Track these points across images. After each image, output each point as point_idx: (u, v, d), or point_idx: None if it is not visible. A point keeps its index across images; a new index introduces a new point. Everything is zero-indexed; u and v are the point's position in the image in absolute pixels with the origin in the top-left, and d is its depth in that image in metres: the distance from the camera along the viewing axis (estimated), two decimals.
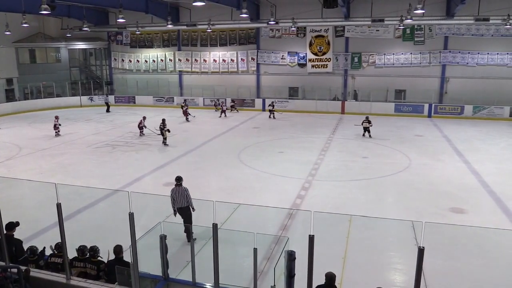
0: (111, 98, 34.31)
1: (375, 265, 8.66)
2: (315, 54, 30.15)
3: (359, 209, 11.20)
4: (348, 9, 27.11)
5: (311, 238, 4.62)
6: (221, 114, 28.29)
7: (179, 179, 9.86)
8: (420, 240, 4.40)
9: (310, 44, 30.19)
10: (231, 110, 30.00)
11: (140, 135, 21.82)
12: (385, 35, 28.41)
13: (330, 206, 11.65)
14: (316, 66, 30.28)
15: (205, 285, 6.41)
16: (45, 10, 18.32)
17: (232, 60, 32.27)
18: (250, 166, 16.04)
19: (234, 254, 8.18)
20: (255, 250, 5.63)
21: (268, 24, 27.50)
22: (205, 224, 6.67)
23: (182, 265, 7.44)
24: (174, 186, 9.83)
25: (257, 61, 31.58)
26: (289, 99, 30.68)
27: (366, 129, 21.12)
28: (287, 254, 5.58)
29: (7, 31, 27.94)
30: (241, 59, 32.03)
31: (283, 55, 30.96)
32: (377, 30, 28.39)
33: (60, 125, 22.42)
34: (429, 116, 27.47)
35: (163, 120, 19.95)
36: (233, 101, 30.90)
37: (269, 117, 27.45)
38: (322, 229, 4.76)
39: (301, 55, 30.56)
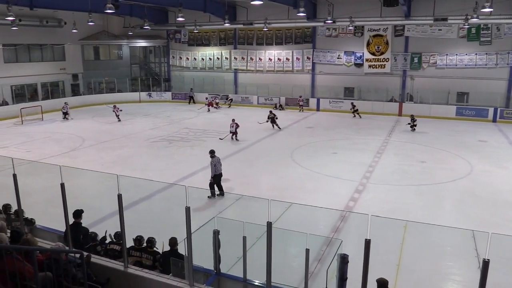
0: (168, 95, 35.40)
1: (431, 274, 8.31)
2: (373, 54, 29.39)
3: (415, 215, 10.77)
4: (409, 8, 26.17)
5: (367, 243, 4.48)
6: (208, 108, 28.75)
7: (213, 152, 12.77)
8: (485, 252, 4.14)
9: (368, 44, 29.47)
10: (217, 107, 30.39)
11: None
12: (448, 35, 27.13)
13: (384, 211, 11.31)
14: (373, 66, 29.51)
15: (254, 281, 6.44)
16: (109, 9, 19.18)
17: (287, 59, 32.18)
18: (303, 165, 15.92)
19: (285, 253, 8.13)
20: (307, 251, 5.57)
21: (325, 23, 27.19)
22: (257, 221, 6.70)
23: (233, 260, 7.51)
24: (211, 157, 12.63)
25: (312, 60, 31.27)
26: (344, 99, 30.12)
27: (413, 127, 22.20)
28: (340, 257, 5.47)
29: (74, 29, 29.60)
30: (297, 58, 31.86)
31: (339, 55, 30.46)
32: (439, 30, 27.18)
33: (121, 110, 24.61)
34: (494, 120, 25.93)
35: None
36: (226, 97, 32.43)
37: (273, 127, 23.38)
38: (376, 234, 4.62)
39: (358, 54, 29.90)
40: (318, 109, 30.25)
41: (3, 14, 22.36)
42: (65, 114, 26.99)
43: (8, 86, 29.15)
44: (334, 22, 26.56)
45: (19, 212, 7.22)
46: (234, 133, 20.32)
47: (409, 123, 22.63)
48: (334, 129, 23.37)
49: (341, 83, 30.64)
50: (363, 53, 29.70)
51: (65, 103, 27.73)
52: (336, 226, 10.30)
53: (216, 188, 12.57)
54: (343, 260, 5.43)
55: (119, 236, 7.01)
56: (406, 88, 28.95)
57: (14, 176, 6.85)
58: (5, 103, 28.73)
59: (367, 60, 29.63)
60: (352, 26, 27.46)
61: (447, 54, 27.41)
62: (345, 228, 10.22)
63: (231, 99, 33.01)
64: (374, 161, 16.63)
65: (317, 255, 8.61)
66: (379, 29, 28.84)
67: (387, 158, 17.09)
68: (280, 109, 29.78)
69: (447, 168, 15.65)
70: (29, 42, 30.31)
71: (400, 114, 28.04)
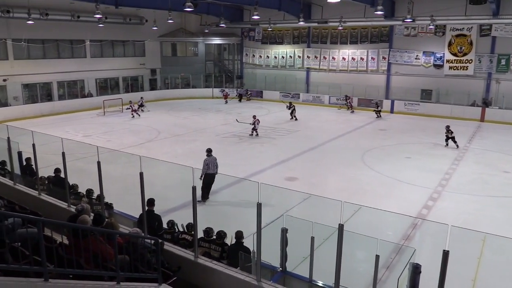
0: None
1: None
2: (455, 54, 27.74)
3: (495, 229, 9.98)
4: (498, 6, 24.33)
5: (445, 254, 4.24)
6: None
7: (210, 150, 12.19)
8: None
9: (450, 44, 27.86)
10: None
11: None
12: None
13: (461, 222, 10.64)
14: (455, 67, 27.86)
15: (318, 282, 6.36)
16: (188, 7, 19.83)
17: (361, 58, 31.34)
18: (374, 169, 15.45)
19: (352, 257, 7.95)
20: (377, 257, 5.41)
21: (403, 21, 26.03)
22: (324, 222, 6.60)
23: (299, 259, 7.47)
24: (206, 156, 12.07)
25: (388, 60, 30.18)
26: (420, 102, 28.76)
27: (449, 139, 19.01)
28: (412, 266, 5.27)
29: (155, 27, 31.04)
30: (372, 57, 30.94)
31: (417, 55, 29.10)
32: None
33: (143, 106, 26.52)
34: None
35: None
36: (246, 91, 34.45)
37: (291, 119, 25.61)
38: (451, 245, 4.35)
39: (438, 55, 28.38)
40: (392, 111, 29.17)
41: (91, 12, 24.04)
42: (140, 106, 28.10)
43: (93, 79, 31.33)
44: (413, 20, 25.36)
45: (101, 197, 7.71)
46: (254, 129, 20.68)
47: (446, 135, 19.10)
48: (408, 133, 22.40)
49: (418, 84, 29.26)
50: (443, 53, 28.14)
51: (141, 97, 29.19)
52: (407, 234, 9.88)
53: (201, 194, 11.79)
54: (416, 270, 5.22)
55: (191, 227, 7.26)
56: (490, 92, 27.03)
57: (98, 163, 7.33)
58: (90, 94, 30.93)
59: (447, 61, 28.04)
60: (432, 25, 26.12)
61: None
62: (416, 236, 9.77)
63: (250, 93, 34.53)
64: (451, 168, 15.72)
65: (385, 262, 8.31)
66: (463, 28, 27.15)
67: (466, 166, 16.08)
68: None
69: None
70: (113, 38, 32.31)
71: (482, 119, 26.23)
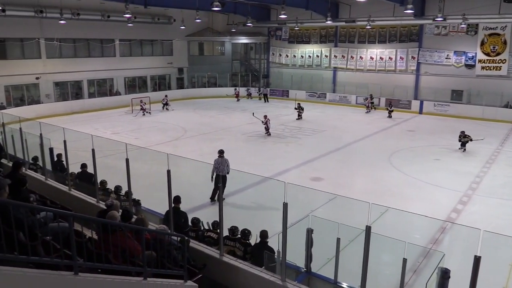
0: (266, 91, 36.02)
1: None
2: (487, 54, 26.95)
3: None
4: None
5: (477, 260, 4.12)
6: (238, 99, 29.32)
7: (221, 152, 12.07)
8: None
9: (482, 43, 27.08)
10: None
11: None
12: None
13: (492, 227, 10.33)
14: (487, 68, 27.06)
15: (342, 284, 6.29)
16: (216, 7, 19.92)
17: (390, 58, 30.82)
18: (401, 171, 15.18)
19: (378, 259, 7.82)
20: (404, 260, 5.32)
21: (434, 20, 25.48)
22: (350, 223, 6.52)
23: (323, 260, 7.41)
24: (219, 157, 11.94)
25: (417, 60, 29.57)
26: (450, 102, 28.08)
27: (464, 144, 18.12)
28: (441, 271, 5.14)
29: (182, 26, 31.36)
30: (400, 57, 30.39)
31: (448, 55, 28.40)
32: None
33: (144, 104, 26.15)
34: None
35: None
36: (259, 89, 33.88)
37: (297, 118, 25.66)
38: (481, 251, 4.22)
39: (470, 55, 27.62)
40: (420, 112, 28.59)
41: (121, 12, 24.51)
42: (165, 105, 28.96)
43: (122, 77, 31.95)
44: (444, 19, 24.78)
45: (129, 193, 7.84)
46: (267, 128, 20.65)
47: (461, 140, 18.24)
48: (437, 134, 21.89)
49: (448, 85, 28.56)
50: (475, 53, 27.37)
51: (165, 95, 29.64)
52: (435, 238, 9.67)
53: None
54: (444, 275, 5.11)
55: (216, 225, 7.31)
56: None
57: (127, 160, 7.46)
58: (118, 93, 31.52)
59: (480, 61, 27.26)
60: (464, 24, 25.47)
61: None
62: (445, 240, 9.55)
63: (266, 93, 34.23)
64: (483, 171, 15.29)
65: (412, 266, 8.16)
66: (496, 27, 26.35)
67: (498, 169, 15.60)
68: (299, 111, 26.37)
69: None
70: (141, 37, 32.85)
71: None
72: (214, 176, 11.64)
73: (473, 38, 27.37)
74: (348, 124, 24.77)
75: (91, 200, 8.47)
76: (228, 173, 11.79)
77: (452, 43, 28.22)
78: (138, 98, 28.62)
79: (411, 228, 10.18)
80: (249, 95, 35.29)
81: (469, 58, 27.67)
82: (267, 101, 33.99)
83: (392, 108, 27.40)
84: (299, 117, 25.75)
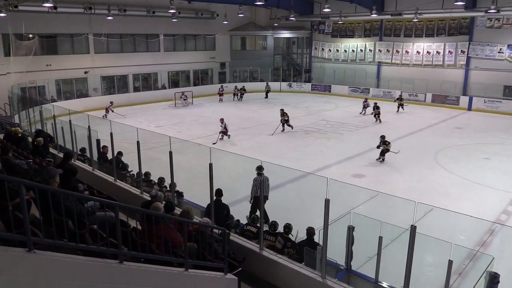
0: (307, 86, 35.74)
1: None
2: None
3: None
4: None
5: None
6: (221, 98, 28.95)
7: (261, 168, 9.53)
8: None
9: None
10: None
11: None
12: None
13: None
14: None
15: (382, 283, 6.15)
16: (259, 1, 19.91)
17: (438, 52, 29.68)
18: (447, 169, 14.64)
19: (421, 260, 7.61)
20: (450, 262, 5.13)
21: (486, 12, 24.28)
22: (392, 222, 6.36)
23: (364, 259, 7.28)
24: (256, 175, 9.69)
25: (467, 54, 28.32)
26: (502, 99, 26.73)
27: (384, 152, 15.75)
28: (490, 275, 4.93)
29: (225, 21, 31.57)
30: (449, 51, 29.21)
31: (501, 48, 27.00)
32: None
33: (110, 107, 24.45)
34: None
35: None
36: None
37: (283, 127, 20.87)
38: None
39: None
40: (469, 109, 27.42)
41: (166, 7, 24.99)
42: (235, 95, 31.15)
43: (166, 72, 32.64)
44: (498, 11, 23.54)
45: (172, 185, 8.00)
46: (223, 132, 18.78)
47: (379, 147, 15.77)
48: (487, 132, 20.93)
49: (500, 80, 27.17)
50: None
51: (236, 87, 31.28)
52: (482, 240, 9.27)
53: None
54: (493, 279, 4.89)
55: (256, 220, 7.33)
56: None
57: (170, 153, 7.61)
58: (163, 87, 32.25)
59: None
60: None
61: None
62: (494, 243, 9.13)
63: (243, 90, 32.12)
64: None
65: (457, 268, 7.86)
66: None
67: None
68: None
69: None
70: (185, 32, 33.37)
71: None
72: (253, 198, 9.88)
73: None
74: (392, 120, 24.10)
75: (135, 191, 8.71)
76: (267, 196, 9.82)
77: (505, 36, 26.80)
78: (180, 92, 29.15)
79: (457, 229, 9.81)
80: (236, 95, 32.11)
81: None
82: (240, 99, 31.68)
83: (402, 102, 26.06)
84: (377, 119, 23.02)
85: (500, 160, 15.87)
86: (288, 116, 20.69)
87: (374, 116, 23.08)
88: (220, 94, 30.96)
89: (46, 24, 25.25)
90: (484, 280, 4.99)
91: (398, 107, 26.22)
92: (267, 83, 34.20)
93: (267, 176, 9.77)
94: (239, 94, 31.58)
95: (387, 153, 15.56)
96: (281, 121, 20.49)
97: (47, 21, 24.94)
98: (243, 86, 32.25)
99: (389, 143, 15.65)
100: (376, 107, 23.20)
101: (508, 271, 4.51)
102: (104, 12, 25.76)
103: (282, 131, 20.46)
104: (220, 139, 18.67)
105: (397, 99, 26.74)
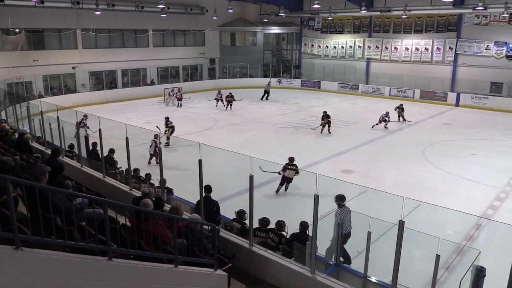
0: (297, 82, 35.75)
1: None
2: None
3: None
4: None
5: None
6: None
7: (342, 199, 7.53)
8: None
9: None
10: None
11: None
12: None
13: None
14: None
15: (371, 278, 6.21)
16: None
17: (426, 48, 29.93)
18: (435, 165, 14.81)
19: (409, 255, 7.69)
20: (437, 256, 5.19)
21: (474, 9, 24.54)
22: (380, 217, 6.43)
23: (353, 254, 7.33)
24: (339, 207, 7.48)
25: (455, 50, 28.60)
26: (489, 95, 27.06)
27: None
28: (476, 269, 5.02)
29: (215, 16, 31.42)
30: (437, 48, 29.46)
31: (488, 45, 27.30)
32: None
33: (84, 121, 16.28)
34: None
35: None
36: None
37: (226, 109, 25.20)
38: None
39: None
40: (457, 105, 27.71)
41: (155, 2, 24.79)
42: (219, 101, 26.65)
43: (155, 67, 32.40)
44: (485, 8, 23.82)
45: (161, 181, 7.97)
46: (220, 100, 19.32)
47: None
48: (475, 128, 21.19)
49: (487, 77, 27.50)
50: None
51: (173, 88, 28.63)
52: (469, 234, 9.40)
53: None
54: (480, 273, 4.99)
55: (240, 214, 7.33)
56: None
57: (160, 150, 7.57)
58: (152, 83, 32.04)
59: None
60: (507, 13, 24.40)
61: None
62: (481, 237, 9.27)
63: (231, 98, 26.03)
64: None
65: (445, 262, 7.96)
66: None
67: None
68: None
69: None
70: (174, 28, 33.15)
71: None
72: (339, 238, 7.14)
73: None
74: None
75: (125, 187, 8.67)
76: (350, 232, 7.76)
77: (492, 33, 27.11)
78: (169, 88, 28.96)
79: (444, 224, 9.93)
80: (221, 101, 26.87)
81: (510, 49, 26.53)
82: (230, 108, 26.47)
83: (403, 112, 22.33)
84: (402, 118, 21.98)
85: (487, 156, 16.08)
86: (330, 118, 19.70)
87: (399, 117, 22.04)
88: (217, 100, 26.62)
89: (33, 19, 24.87)
90: (470, 274, 5.07)
91: (399, 117, 22.36)
92: (269, 82, 31.67)
93: (348, 208, 7.67)
94: (226, 102, 25.82)
95: None
96: (323, 124, 19.64)
97: (34, 15, 24.57)
98: (230, 93, 26.30)
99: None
100: (400, 109, 22.15)
101: (494, 265, 4.58)
102: (92, 7, 25.43)
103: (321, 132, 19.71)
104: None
105: (397, 107, 22.58)
